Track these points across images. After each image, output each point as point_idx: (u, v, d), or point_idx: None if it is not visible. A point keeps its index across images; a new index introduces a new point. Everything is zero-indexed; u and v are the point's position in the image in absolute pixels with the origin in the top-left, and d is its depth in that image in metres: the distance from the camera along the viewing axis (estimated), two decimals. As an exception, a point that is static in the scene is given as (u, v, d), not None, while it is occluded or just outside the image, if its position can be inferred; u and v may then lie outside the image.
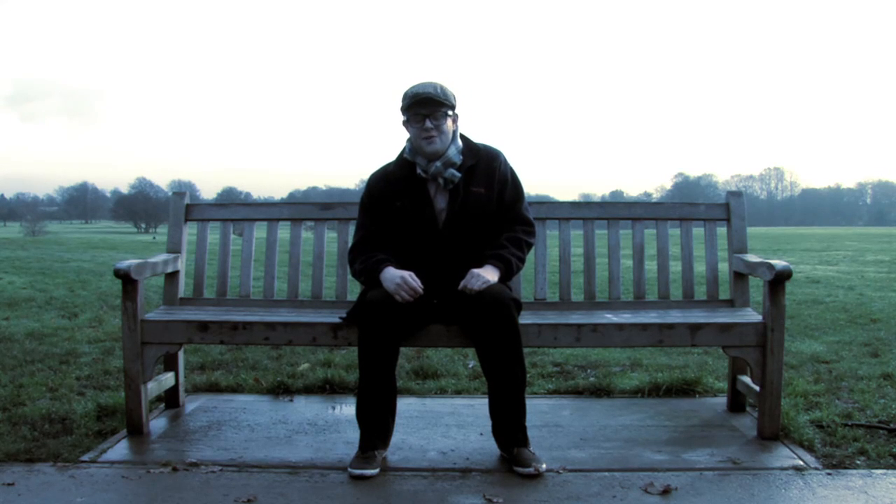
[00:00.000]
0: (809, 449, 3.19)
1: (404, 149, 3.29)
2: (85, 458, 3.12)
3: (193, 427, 3.56)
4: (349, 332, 3.24)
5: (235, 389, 4.22)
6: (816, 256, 18.36)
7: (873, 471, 2.95)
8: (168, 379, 3.78)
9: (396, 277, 3.05)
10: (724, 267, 3.87)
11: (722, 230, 3.91)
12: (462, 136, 3.29)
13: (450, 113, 3.20)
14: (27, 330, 6.21)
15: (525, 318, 3.24)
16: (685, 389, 4.13)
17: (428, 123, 3.14)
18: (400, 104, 3.22)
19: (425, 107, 3.15)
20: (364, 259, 3.21)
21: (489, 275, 3.09)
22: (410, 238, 3.20)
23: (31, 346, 5.45)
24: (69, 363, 4.90)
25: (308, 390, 4.18)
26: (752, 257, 3.71)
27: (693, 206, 3.94)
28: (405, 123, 3.23)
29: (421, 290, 3.04)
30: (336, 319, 3.29)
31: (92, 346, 5.47)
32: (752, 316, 3.50)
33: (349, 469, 2.95)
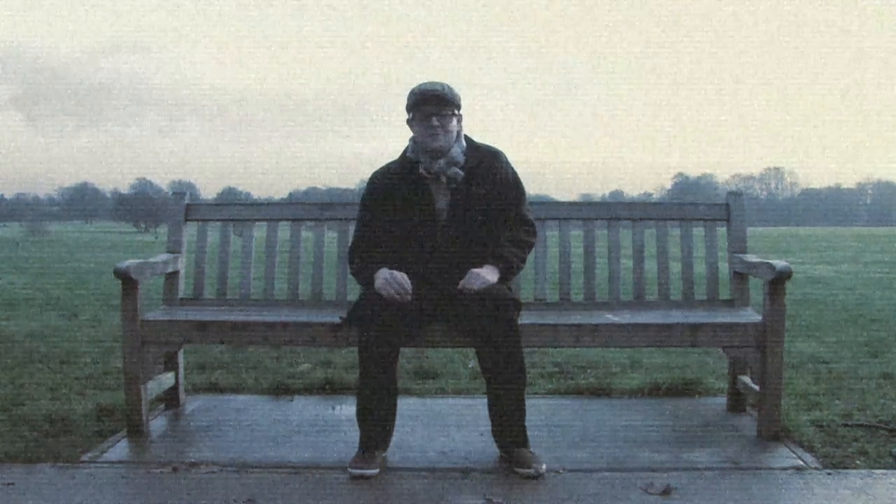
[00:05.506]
0: (809, 449, 3.19)
1: (407, 148, 3.29)
2: (85, 458, 3.11)
3: (193, 427, 3.56)
4: (349, 332, 3.24)
5: (235, 389, 4.22)
6: (816, 256, 18.36)
7: (873, 471, 2.95)
8: (168, 379, 3.78)
9: (386, 275, 3.05)
10: (724, 267, 3.87)
11: (722, 230, 3.91)
12: (465, 136, 3.29)
13: (456, 112, 3.20)
14: (27, 330, 6.21)
15: (525, 318, 3.24)
16: (685, 389, 4.13)
17: (434, 121, 3.14)
18: (406, 102, 3.22)
19: (432, 105, 3.15)
20: (362, 258, 3.21)
21: (489, 275, 3.09)
22: (411, 237, 3.20)
23: (31, 346, 5.45)
24: (69, 363, 4.90)
25: (308, 390, 4.18)
26: (752, 257, 3.71)
27: (693, 206, 3.94)
28: (410, 122, 3.23)
29: (409, 289, 3.04)
30: (336, 319, 3.29)
31: (92, 346, 5.47)
32: (752, 316, 3.50)
33: (349, 469, 2.95)
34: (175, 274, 3.86)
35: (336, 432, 3.47)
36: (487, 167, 3.23)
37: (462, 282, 3.07)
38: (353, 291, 3.49)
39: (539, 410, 3.74)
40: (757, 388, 3.38)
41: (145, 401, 3.45)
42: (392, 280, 3.04)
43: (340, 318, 3.26)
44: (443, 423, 3.60)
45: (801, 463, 3.05)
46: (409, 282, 3.05)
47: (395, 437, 3.18)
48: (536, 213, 3.62)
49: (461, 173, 3.18)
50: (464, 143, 3.26)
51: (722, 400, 3.95)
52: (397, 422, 3.17)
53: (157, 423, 3.61)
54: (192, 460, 3.08)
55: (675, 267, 3.82)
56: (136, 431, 3.41)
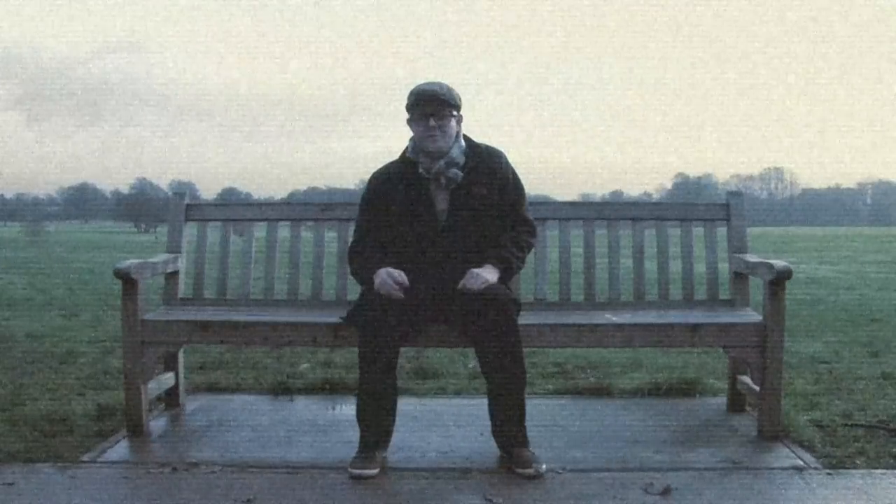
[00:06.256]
0: (809, 449, 3.19)
1: (407, 148, 3.29)
2: (85, 458, 3.11)
3: (193, 427, 3.56)
4: (349, 332, 3.24)
5: (235, 389, 4.22)
6: (816, 256, 18.37)
7: (873, 471, 2.95)
8: (168, 379, 3.78)
9: (384, 274, 3.06)
10: (724, 267, 3.87)
11: (722, 230, 3.91)
12: (465, 137, 3.29)
13: (454, 113, 3.19)
14: (27, 330, 6.21)
15: (525, 318, 3.24)
16: (685, 389, 4.13)
17: (432, 122, 3.14)
18: (405, 102, 3.22)
19: (430, 106, 3.14)
20: (361, 259, 3.21)
21: (488, 275, 3.09)
22: (411, 237, 3.20)
23: (31, 346, 5.46)
24: (69, 363, 4.90)
25: (308, 390, 4.18)
26: (751, 257, 3.71)
27: (693, 206, 3.94)
28: (409, 122, 3.23)
29: (405, 282, 3.03)
30: (336, 319, 3.29)
31: (92, 346, 5.47)
32: (752, 316, 3.50)
33: (349, 469, 2.95)
34: (175, 274, 3.86)
35: (336, 432, 3.47)
36: (487, 168, 3.23)
37: (462, 282, 3.07)
38: (353, 291, 3.49)
39: (539, 410, 3.74)
40: (757, 388, 3.38)
41: (145, 401, 3.45)
42: (388, 278, 3.04)
43: (340, 318, 3.26)
44: (443, 423, 3.60)
45: (801, 463, 3.05)
46: (405, 277, 3.05)
47: (395, 437, 3.18)
48: (536, 213, 3.62)
49: (461, 174, 3.18)
50: (463, 143, 3.26)
51: (722, 400, 3.95)
52: (397, 422, 3.17)
53: (157, 423, 3.61)
54: (192, 460, 3.08)
55: (676, 267, 3.82)
56: (136, 431, 3.41)
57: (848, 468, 2.99)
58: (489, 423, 3.13)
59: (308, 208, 3.97)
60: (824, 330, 6.25)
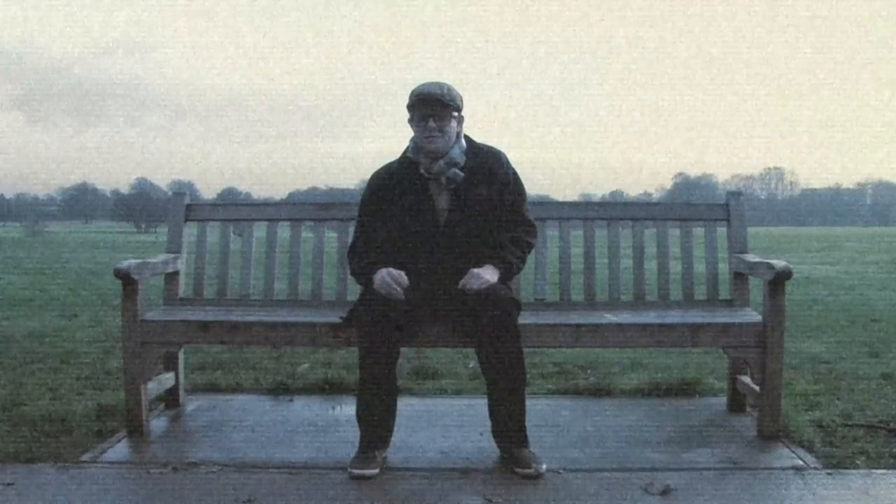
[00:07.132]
0: (809, 449, 3.19)
1: (407, 148, 3.29)
2: (85, 458, 3.11)
3: (193, 427, 3.56)
4: (349, 332, 3.24)
5: (235, 389, 4.22)
6: (816, 256, 18.37)
7: (873, 471, 2.95)
8: (168, 379, 3.78)
9: (384, 273, 3.06)
10: (723, 267, 3.87)
11: (722, 230, 3.91)
12: (465, 137, 3.29)
13: (454, 114, 3.19)
14: (27, 330, 6.21)
15: (525, 318, 3.24)
16: (685, 389, 4.13)
17: (431, 123, 3.14)
18: (406, 102, 3.22)
19: (430, 107, 3.14)
20: (361, 259, 3.21)
21: (489, 275, 3.09)
22: (411, 237, 3.20)
23: (31, 346, 5.46)
24: (69, 363, 4.90)
25: (308, 390, 4.18)
26: (751, 257, 3.71)
27: (693, 206, 3.94)
28: (409, 122, 3.23)
29: (404, 283, 3.03)
30: (336, 319, 3.29)
31: (92, 346, 5.47)
32: (752, 316, 3.50)
33: (349, 469, 2.95)
34: (175, 274, 3.86)
35: (336, 432, 3.47)
36: (488, 168, 3.23)
37: (462, 281, 3.07)
38: (353, 291, 3.49)
39: (539, 410, 3.74)
40: (757, 388, 3.38)
41: (145, 401, 3.44)
42: (388, 276, 3.04)
43: (340, 318, 3.26)
44: (443, 423, 3.60)
45: (801, 463, 3.05)
46: (405, 277, 3.05)
47: (395, 437, 3.18)
48: (536, 213, 3.62)
49: (461, 174, 3.18)
50: (464, 143, 3.26)
51: (722, 400, 3.95)
52: (397, 422, 3.17)
53: (157, 423, 3.61)
54: (192, 460, 3.08)
55: (676, 267, 3.82)
56: (136, 431, 3.40)
57: (848, 468, 2.99)
58: (489, 423, 3.13)
59: (308, 208, 3.97)
60: (824, 330, 6.25)
